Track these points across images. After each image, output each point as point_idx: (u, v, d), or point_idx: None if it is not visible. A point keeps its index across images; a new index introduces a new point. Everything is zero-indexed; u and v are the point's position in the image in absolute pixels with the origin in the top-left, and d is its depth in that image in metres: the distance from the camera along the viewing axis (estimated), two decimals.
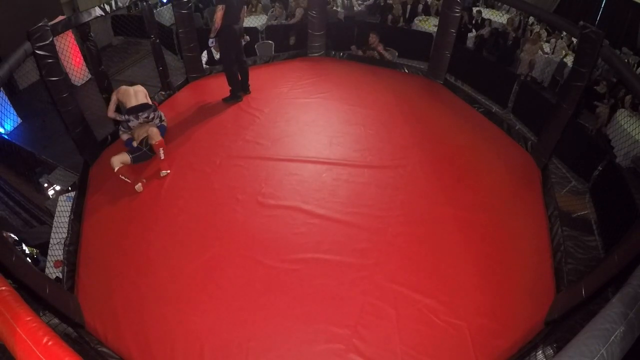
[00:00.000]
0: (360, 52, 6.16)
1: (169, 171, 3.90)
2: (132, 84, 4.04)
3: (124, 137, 4.13)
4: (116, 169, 3.70)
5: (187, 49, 5.19)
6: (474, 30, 7.86)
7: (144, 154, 3.94)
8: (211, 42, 4.71)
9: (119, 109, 4.02)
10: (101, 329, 2.71)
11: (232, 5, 4.37)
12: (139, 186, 3.73)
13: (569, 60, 6.40)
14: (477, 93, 5.53)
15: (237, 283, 2.95)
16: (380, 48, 5.98)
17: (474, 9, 8.45)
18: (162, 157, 3.87)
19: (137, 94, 3.89)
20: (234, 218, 3.45)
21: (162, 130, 4.15)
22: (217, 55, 5.68)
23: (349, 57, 6.10)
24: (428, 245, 3.26)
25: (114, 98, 3.96)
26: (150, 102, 3.97)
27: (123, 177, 3.73)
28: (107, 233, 3.38)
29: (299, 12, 7.39)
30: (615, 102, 5.80)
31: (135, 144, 3.97)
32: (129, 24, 7.55)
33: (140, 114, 3.86)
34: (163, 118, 4.22)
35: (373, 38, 5.97)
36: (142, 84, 4.08)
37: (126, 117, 3.86)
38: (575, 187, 4.23)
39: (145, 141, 3.95)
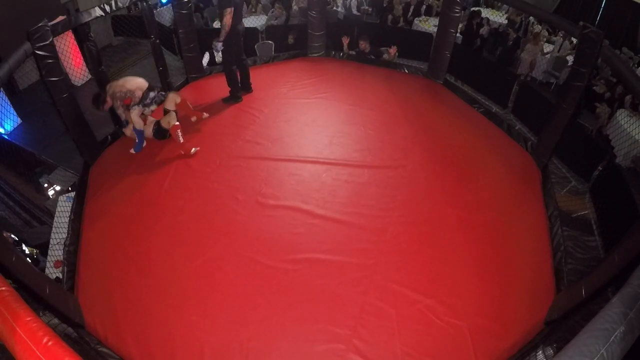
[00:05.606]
0: (352, 52, 6.16)
1: (198, 148, 4.09)
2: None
3: (127, 132, 4.19)
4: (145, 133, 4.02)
5: (187, 49, 5.19)
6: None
7: (162, 130, 4.09)
8: (220, 45, 4.56)
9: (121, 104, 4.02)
10: (101, 329, 2.72)
11: (238, 7, 4.38)
12: (194, 150, 4.04)
13: (569, 60, 6.40)
14: (477, 93, 5.53)
15: (237, 283, 2.95)
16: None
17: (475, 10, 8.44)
18: (182, 140, 3.98)
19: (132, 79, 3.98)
20: (233, 218, 3.46)
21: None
22: (218, 57, 5.64)
23: (349, 57, 6.10)
24: (428, 246, 3.27)
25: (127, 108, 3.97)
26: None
27: (179, 134, 3.93)
28: (107, 233, 3.38)
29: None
30: (613, 99, 5.78)
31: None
32: (129, 24, 7.55)
33: (150, 93, 3.99)
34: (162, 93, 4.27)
35: (363, 44, 5.97)
36: None
37: (148, 100, 3.98)
38: (575, 187, 4.23)
39: (157, 126, 4.09)
